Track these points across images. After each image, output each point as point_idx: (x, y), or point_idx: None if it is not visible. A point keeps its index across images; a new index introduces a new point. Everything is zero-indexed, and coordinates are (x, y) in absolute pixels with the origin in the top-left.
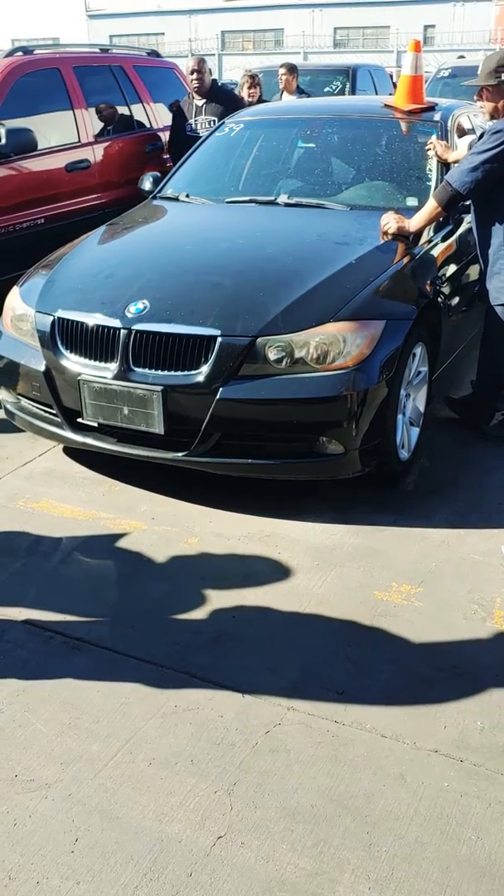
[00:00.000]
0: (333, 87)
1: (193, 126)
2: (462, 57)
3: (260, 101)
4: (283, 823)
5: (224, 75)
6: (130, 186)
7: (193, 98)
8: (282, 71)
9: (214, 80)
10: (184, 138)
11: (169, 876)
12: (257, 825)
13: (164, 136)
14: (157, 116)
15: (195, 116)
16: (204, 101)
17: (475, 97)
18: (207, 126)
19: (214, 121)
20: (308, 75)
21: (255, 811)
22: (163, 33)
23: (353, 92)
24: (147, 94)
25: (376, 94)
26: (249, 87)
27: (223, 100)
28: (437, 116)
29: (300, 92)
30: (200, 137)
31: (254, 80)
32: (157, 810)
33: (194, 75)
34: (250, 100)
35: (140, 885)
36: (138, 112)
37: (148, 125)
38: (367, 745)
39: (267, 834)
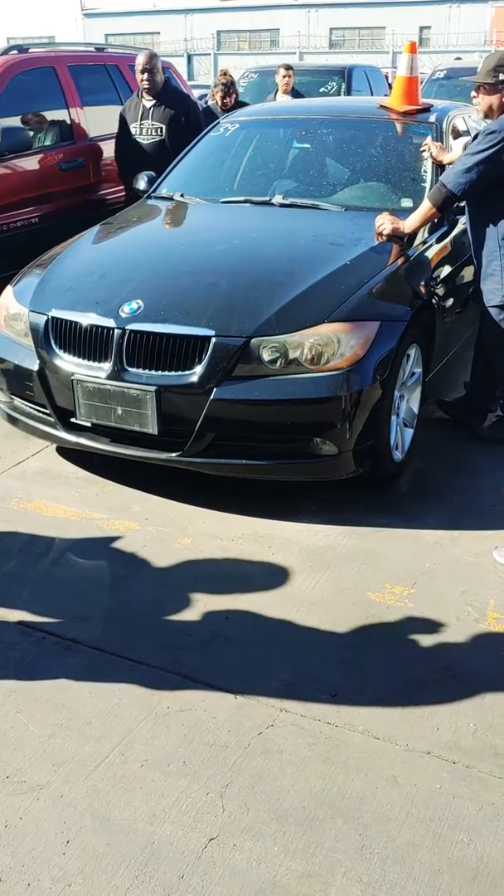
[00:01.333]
0: (329, 88)
1: (137, 131)
2: (459, 58)
3: (237, 106)
4: (275, 825)
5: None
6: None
7: (142, 98)
8: (283, 71)
9: (168, 80)
10: (129, 142)
11: (160, 878)
12: (249, 827)
13: None
14: None
15: (141, 120)
16: (153, 102)
17: (472, 93)
18: (154, 133)
19: (162, 128)
20: (303, 76)
21: (248, 813)
22: (158, 32)
23: (348, 92)
24: None
25: (372, 94)
26: (223, 96)
27: (174, 102)
28: (432, 118)
29: (295, 93)
30: (143, 144)
31: (228, 88)
32: (149, 812)
33: (145, 74)
34: (223, 108)
35: (132, 887)
36: None
37: None
38: (360, 746)
39: (259, 836)
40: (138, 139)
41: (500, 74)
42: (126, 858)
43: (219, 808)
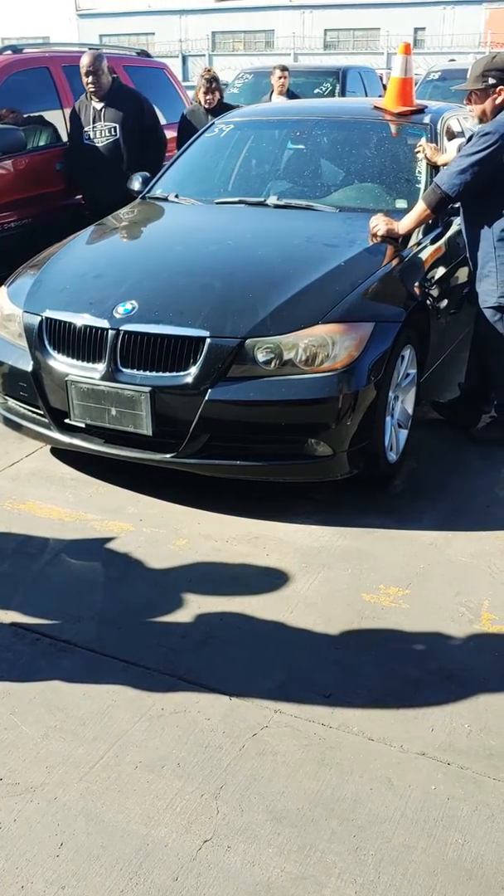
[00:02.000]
0: (323, 89)
1: (90, 135)
2: (453, 60)
3: (220, 106)
4: (269, 827)
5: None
6: None
7: (91, 100)
8: (279, 72)
9: (116, 79)
10: (80, 146)
11: (155, 880)
12: (244, 829)
13: None
14: None
15: (93, 123)
16: (104, 104)
17: (464, 101)
18: (108, 135)
19: (115, 128)
20: (298, 77)
21: (242, 815)
22: (153, 33)
23: (342, 94)
24: None
25: (366, 95)
26: (206, 93)
27: (126, 102)
28: (426, 119)
29: (290, 94)
30: (98, 147)
31: (211, 83)
32: (143, 814)
33: (89, 77)
34: (206, 106)
35: (126, 889)
36: None
37: None
38: (355, 748)
39: (253, 838)
40: (93, 142)
41: (489, 78)
42: (120, 860)
43: (213, 810)
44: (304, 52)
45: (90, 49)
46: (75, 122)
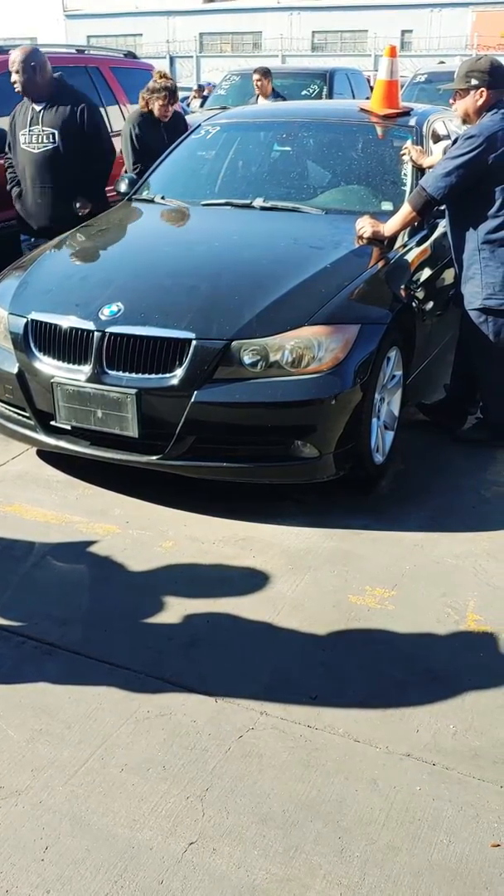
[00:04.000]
0: (311, 91)
1: (26, 139)
2: (442, 62)
3: (176, 119)
4: (254, 829)
5: (203, 77)
6: None
7: (31, 102)
8: (256, 76)
9: (59, 79)
10: (16, 154)
11: (140, 883)
12: (229, 831)
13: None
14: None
15: (30, 126)
16: (44, 104)
17: (450, 101)
18: (45, 141)
19: (54, 135)
20: (285, 78)
21: (227, 817)
22: (141, 34)
23: (330, 96)
24: (124, 96)
25: (353, 97)
26: (162, 105)
27: (68, 103)
28: (412, 121)
29: (276, 95)
30: (34, 155)
31: (167, 95)
32: (129, 817)
33: (19, 75)
34: (163, 120)
35: (111, 892)
36: (115, 114)
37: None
38: (340, 749)
39: (239, 840)
40: (27, 148)
41: (472, 80)
42: (105, 864)
43: (199, 813)
44: (292, 53)
45: (77, 50)
46: (12, 126)
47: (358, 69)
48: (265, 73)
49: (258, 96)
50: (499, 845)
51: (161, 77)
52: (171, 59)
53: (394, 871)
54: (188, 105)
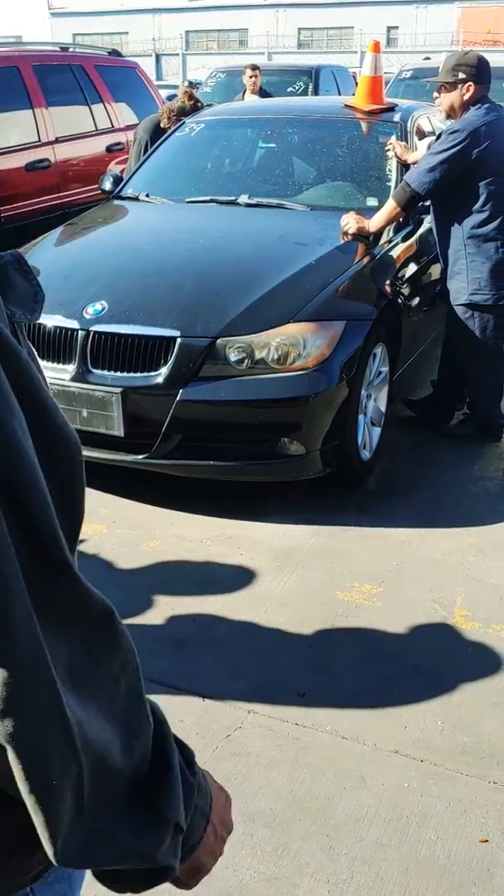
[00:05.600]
0: (296, 88)
1: None
2: (428, 58)
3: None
4: (242, 828)
5: (189, 75)
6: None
7: None
8: (249, 72)
9: None
10: None
11: None
12: None
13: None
14: (118, 116)
15: None
16: None
17: (434, 94)
18: None
19: None
20: (271, 76)
21: None
22: (126, 32)
23: (315, 92)
24: (108, 94)
25: (339, 94)
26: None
27: None
28: (396, 117)
29: (263, 93)
30: None
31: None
32: None
33: None
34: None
35: (98, 893)
36: (99, 112)
37: (109, 125)
38: (328, 747)
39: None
40: None
41: (459, 73)
42: None
43: None
44: (278, 50)
45: (60, 48)
46: None
47: (344, 66)
48: (256, 67)
49: (245, 93)
50: (486, 841)
51: (189, 99)
52: (157, 57)
53: (382, 869)
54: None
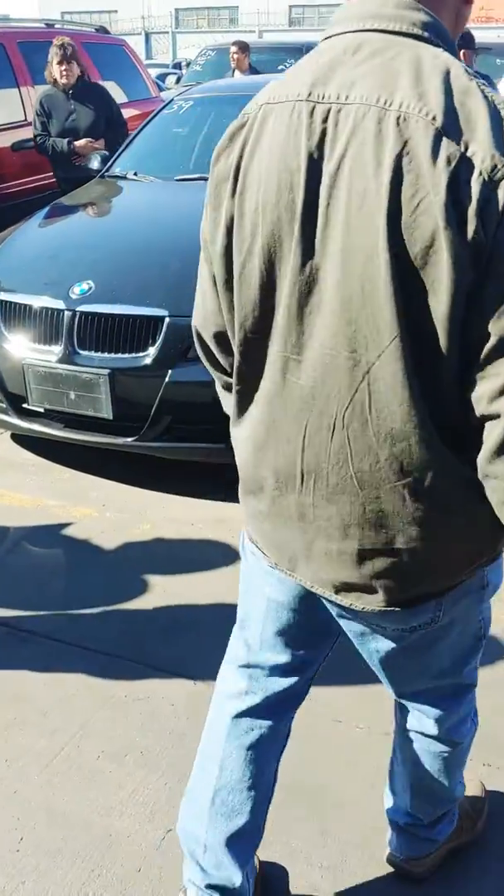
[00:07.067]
0: (287, 66)
1: None
2: None
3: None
4: None
5: (179, 53)
6: None
7: None
8: (233, 49)
9: None
10: None
11: (117, 872)
12: None
13: None
14: None
15: None
16: None
17: None
18: None
19: None
20: (262, 54)
21: None
22: (116, 10)
23: None
24: (96, 72)
25: None
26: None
27: None
28: None
29: (253, 71)
30: None
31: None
32: (106, 805)
33: None
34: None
35: (87, 881)
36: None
37: None
38: (321, 730)
39: None
40: None
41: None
42: (82, 853)
43: (177, 799)
44: (269, 28)
45: (46, 25)
46: None
47: None
48: (243, 46)
49: (234, 70)
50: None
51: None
52: (147, 36)
53: (375, 853)
54: (162, 83)
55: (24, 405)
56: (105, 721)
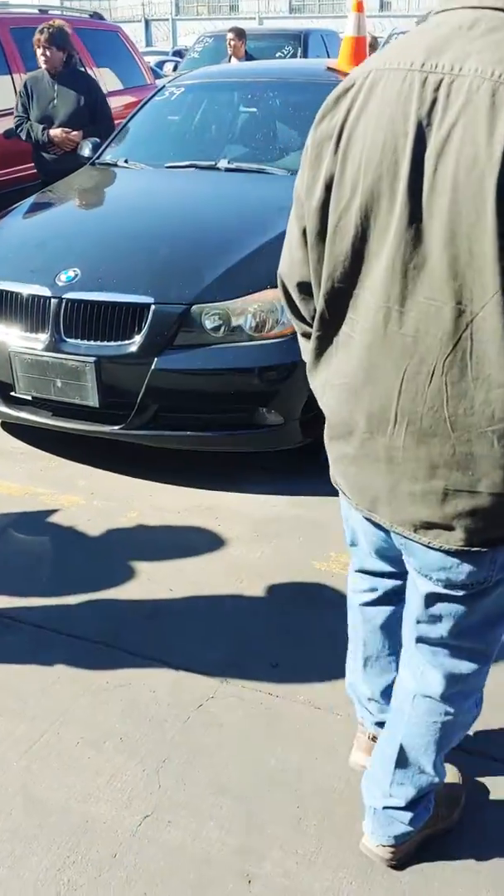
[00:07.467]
0: (285, 53)
1: None
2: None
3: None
4: (211, 800)
5: (179, 41)
6: None
7: None
8: (230, 36)
9: None
10: None
11: (92, 857)
12: (185, 803)
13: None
14: (101, 82)
15: None
16: None
17: None
18: None
19: None
20: (260, 41)
21: (184, 789)
22: None
23: (305, 57)
24: (90, 59)
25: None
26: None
27: None
28: None
29: (249, 58)
30: None
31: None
32: (83, 791)
33: None
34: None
35: (63, 867)
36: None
37: None
38: (301, 717)
39: (195, 811)
40: None
41: None
42: (58, 840)
43: (155, 785)
44: (270, 15)
45: (40, 10)
46: None
47: (333, 30)
48: (239, 33)
49: (230, 57)
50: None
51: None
52: (147, 23)
53: (352, 840)
54: (158, 69)
55: (12, 393)
56: (85, 708)
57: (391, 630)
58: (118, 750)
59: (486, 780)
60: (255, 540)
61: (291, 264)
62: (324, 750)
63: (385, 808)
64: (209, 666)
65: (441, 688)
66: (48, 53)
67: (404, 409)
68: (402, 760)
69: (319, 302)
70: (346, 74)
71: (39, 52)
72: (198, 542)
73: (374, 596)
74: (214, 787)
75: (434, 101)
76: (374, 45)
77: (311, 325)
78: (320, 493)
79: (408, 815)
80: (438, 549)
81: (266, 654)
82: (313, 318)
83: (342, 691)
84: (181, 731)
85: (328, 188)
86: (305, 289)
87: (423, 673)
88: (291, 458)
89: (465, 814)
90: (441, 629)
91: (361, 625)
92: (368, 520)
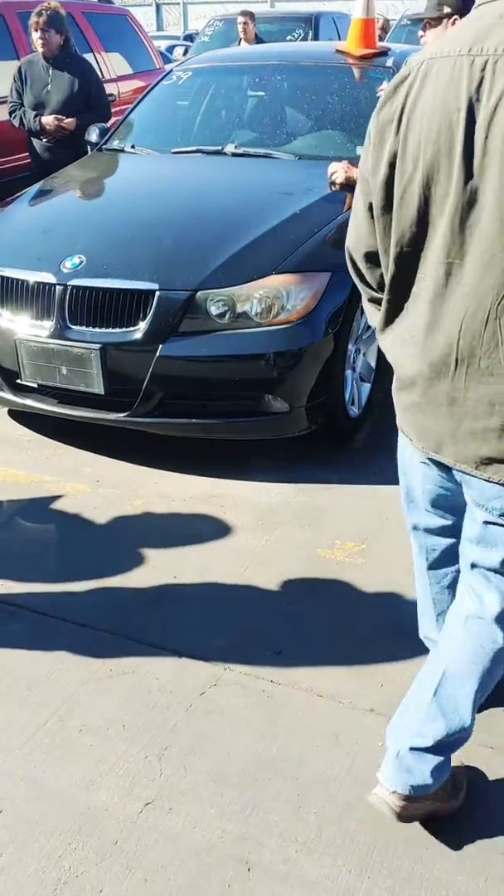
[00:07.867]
0: (295, 36)
1: None
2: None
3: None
4: (212, 787)
5: (190, 25)
6: None
7: None
8: (241, 19)
9: None
10: None
11: (94, 844)
12: (186, 790)
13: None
14: (110, 66)
15: None
16: None
17: (420, 33)
18: None
19: None
20: (270, 24)
21: (186, 776)
22: None
23: (315, 40)
24: (98, 43)
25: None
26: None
27: None
28: (389, 62)
29: (259, 41)
30: None
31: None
32: (85, 778)
33: None
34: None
35: (64, 854)
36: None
37: (100, 76)
38: (303, 704)
39: (196, 799)
40: None
41: (444, 7)
42: (60, 826)
43: (156, 772)
44: None
45: None
46: None
47: (345, 13)
48: (250, 16)
49: (241, 40)
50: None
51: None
52: (158, 7)
53: (351, 828)
54: (169, 53)
55: (18, 381)
56: (89, 695)
57: (455, 588)
58: (121, 737)
59: (486, 769)
60: (260, 527)
61: (359, 237)
62: (325, 738)
63: (412, 748)
64: (212, 653)
65: (498, 608)
66: (46, 36)
67: (463, 353)
68: (441, 691)
69: (390, 267)
70: (354, 57)
71: (37, 35)
72: (203, 529)
73: (434, 556)
74: (215, 775)
75: (482, 80)
76: (385, 28)
77: (376, 291)
78: (326, 480)
79: (432, 761)
80: (498, 483)
81: (269, 642)
82: (378, 285)
83: (345, 680)
84: (183, 718)
85: (392, 165)
86: (372, 258)
87: (481, 596)
88: (297, 446)
89: (466, 801)
90: (495, 555)
91: (428, 587)
92: (429, 463)
